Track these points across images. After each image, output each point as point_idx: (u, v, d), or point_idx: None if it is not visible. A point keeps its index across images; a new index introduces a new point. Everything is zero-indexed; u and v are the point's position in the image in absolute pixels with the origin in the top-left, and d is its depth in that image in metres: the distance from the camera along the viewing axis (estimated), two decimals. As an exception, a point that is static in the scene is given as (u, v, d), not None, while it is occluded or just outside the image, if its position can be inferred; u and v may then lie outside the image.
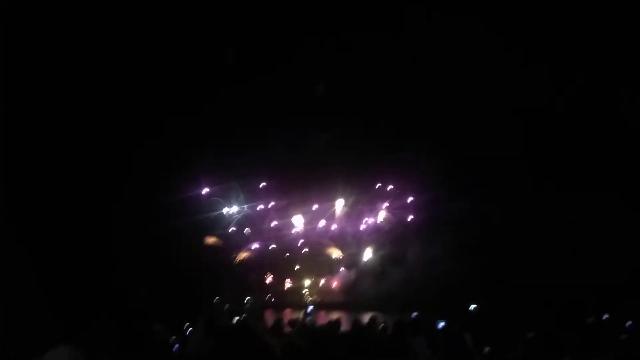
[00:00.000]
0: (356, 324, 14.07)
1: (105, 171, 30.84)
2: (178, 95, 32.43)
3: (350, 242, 39.01)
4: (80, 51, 29.59)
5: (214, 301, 31.71)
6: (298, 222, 38.72)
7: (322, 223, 38.97)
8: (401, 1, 31.93)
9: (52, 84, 28.89)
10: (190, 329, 15.99)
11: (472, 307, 28.89)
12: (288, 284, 37.99)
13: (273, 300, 37.29)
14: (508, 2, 30.45)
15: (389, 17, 31.69)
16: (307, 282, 38.01)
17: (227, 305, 31.08)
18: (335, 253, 38.15)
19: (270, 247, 37.87)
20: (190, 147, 33.38)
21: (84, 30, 29.22)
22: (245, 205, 38.09)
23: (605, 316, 21.27)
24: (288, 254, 37.56)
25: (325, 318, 27.04)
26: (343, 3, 31.96)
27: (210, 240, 36.88)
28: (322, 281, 38.03)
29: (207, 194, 37.16)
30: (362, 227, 39.07)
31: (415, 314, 20.84)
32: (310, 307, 27.11)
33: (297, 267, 37.84)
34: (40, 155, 28.90)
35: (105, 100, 30.58)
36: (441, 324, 15.93)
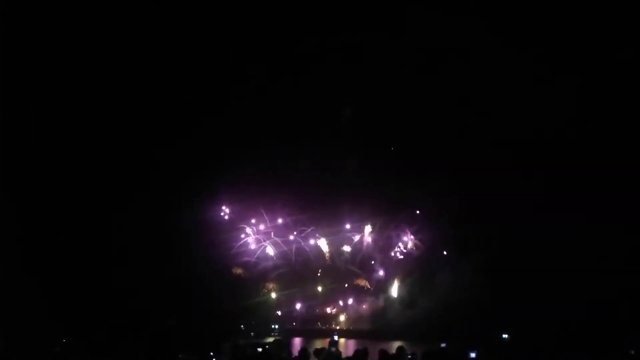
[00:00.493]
0: (383, 354, 13.80)
1: (130, 188, 31.60)
2: (201, 113, 33.28)
3: (378, 269, 38.73)
4: (96, 62, 30.31)
5: (240, 329, 31.68)
6: (323, 246, 38.57)
7: (347, 249, 38.82)
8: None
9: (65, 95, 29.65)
10: (215, 358, 16.07)
11: (505, 336, 28.44)
12: (314, 311, 37.69)
13: (299, 327, 37.03)
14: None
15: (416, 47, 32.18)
16: (334, 310, 37.86)
17: (252, 333, 30.98)
18: (362, 282, 37.93)
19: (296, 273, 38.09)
20: (213, 167, 33.98)
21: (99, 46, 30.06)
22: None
23: None
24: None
25: (352, 347, 26.62)
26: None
27: (238, 270, 36.96)
28: (349, 309, 37.89)
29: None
30: (391, 253, 38.80)
31: (444, 344, 20.47)
32: (336, 336, 26.78)
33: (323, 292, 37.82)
34: (65, 176, 29.91)
35: (126, 110, 31.25)
36: (472, 355, 15.75)
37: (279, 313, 37.02)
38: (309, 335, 34.70)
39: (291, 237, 38.69)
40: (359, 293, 38.59)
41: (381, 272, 38.77)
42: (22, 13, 26.86)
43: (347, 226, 39.32)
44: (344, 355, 14.22)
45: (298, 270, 38.01)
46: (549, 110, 30.75)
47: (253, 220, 38.21)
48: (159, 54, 31.11)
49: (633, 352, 19.22)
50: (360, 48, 33.29)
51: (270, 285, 37.84)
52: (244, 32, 32.32)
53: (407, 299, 36.50)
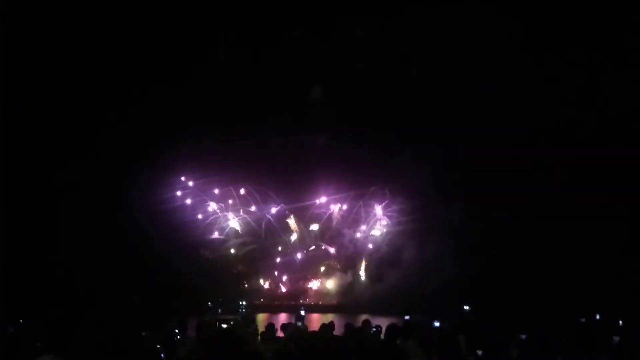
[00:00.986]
0: (349, 327, 13.95)
1: (92, 171, 30.62)
2: (173, 94, 32.64)
3: (347, 245, 39.00)
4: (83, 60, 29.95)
5: (207, 305, 31.59)
6: (292, 225, 38.61)
7: (315, 226, 38.98)
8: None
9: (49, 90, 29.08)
10: (180, 335, 16.05)
11: (466, 308, 28.96)
12: (282, 286, 37.83)
13: (266, 303, 37.19)
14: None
15: (390, 16, 32.10)
16: (302, 285, 38.09)
17: (219, 310, 30.97)
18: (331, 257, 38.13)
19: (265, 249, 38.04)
20: (176, 143, 33.60)
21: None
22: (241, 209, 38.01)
23: (597, 316, 21.45)
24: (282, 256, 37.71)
25: (318, 322, 26.75)
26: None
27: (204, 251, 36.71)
28: (317, 284, 38.20)
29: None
30: (360, 229, 39.06)
31: (407, 317, 20.72)
32: (302, 311, 26.97)
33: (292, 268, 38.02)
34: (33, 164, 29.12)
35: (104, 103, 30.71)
36: (436, 324, 16.00)
37: (247, 288, 36.94)
38: (276, 310, 34.76)
39: (259, 213, 38.44)
40: (328, 269, 38.84)
41: (350, 248, 38.95)
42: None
43: (317, 201, 39.25)
44: (310, 330, 14.39)
45: (267, 247, 38.00)
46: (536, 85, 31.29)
47: (216, 191, 37.67)
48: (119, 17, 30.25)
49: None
50: (332, 24, 33.39)
51: (239, 265, 37.78)
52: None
53: (374, 274, 36.90)
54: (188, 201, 37.27)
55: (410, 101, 33.85)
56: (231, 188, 38.18)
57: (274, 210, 38.66)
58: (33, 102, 29.22)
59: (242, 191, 38.48)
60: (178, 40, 32.33)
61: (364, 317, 16.76)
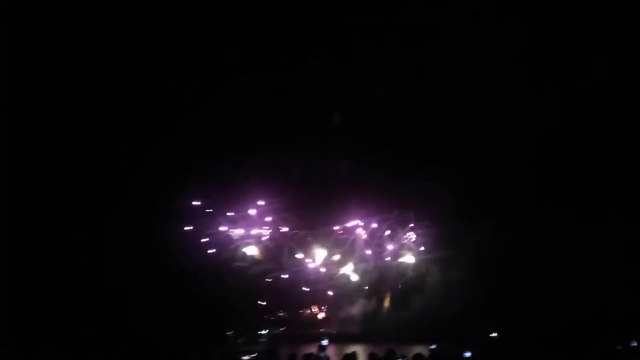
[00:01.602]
0: (372, 357, 13.86)
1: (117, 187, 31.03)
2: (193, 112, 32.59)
3: (372, 270, 38.24)
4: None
5: (228, 334, 31.07)
6: (320, 255, 38.08)
7: (337, 256, 38.38)
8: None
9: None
10: None
11: (494, 335, 28.04)
12: (304, 314, 37.10)
13: (287, 332, 36.53)
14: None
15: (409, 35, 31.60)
16: (324, 314, 37.31)
17: (241, 339, 30.43)
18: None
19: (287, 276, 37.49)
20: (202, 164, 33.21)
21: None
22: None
23: (634, 343, 20.38)
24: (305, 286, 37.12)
25: (341, 352, 26.16)
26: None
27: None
28: (340, 312, 37.36)
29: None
30: (384, 254, 38.30)
31: (433, 346, 20.21)
32: (325, 341, 26.36)
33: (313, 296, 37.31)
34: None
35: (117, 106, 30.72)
36: (467, 354, 15.74)
37: (268, 318, 36.29)
38: (298, 340, 34.12)
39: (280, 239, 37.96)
40: (351, 296, 38.03)
41: (374, 274, 38.15)
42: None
43: (339, 227, 38.66)
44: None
45: (290, 274, 37.49)
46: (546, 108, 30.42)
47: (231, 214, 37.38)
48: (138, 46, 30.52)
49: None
50: (352, 48, 32.87)
51: (262, 292, 37.11)
52: (231, 28, 31.52)
53: (400, 300, 36.00)
54: (204, 226, 36.88)
55: (432, 123, 33.30)
56: (251, 213, 37.81)
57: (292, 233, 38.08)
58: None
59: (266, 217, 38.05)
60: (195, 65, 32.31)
61: (387, 346, 16.32)
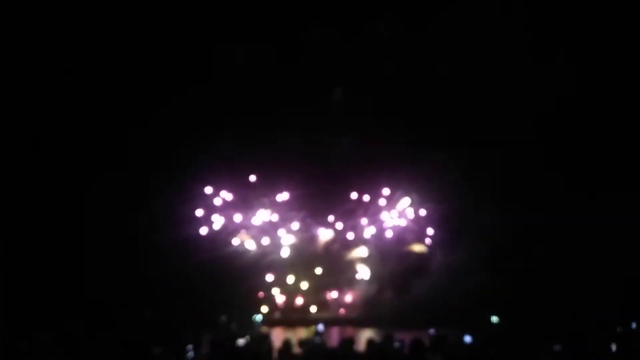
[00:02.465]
0: (370, 343, 13.84)
1: (106, 178, 30.44)
2: (182, 93, 31.60)
3: (372, 253, 37.81)
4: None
5: (220, 320, 30.71)
6: (323, 234, 37.63)
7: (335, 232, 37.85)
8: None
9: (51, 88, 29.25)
10: (193, 351, 15.58)
11: (494, 319, 28.20)
12: (300, 298, 36.55)
13: (282, 317, 35.87)
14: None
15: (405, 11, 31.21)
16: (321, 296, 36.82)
17: (233, 324, 30.17)
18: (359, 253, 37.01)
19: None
20: (195, 147, 32.38)
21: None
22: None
23: (634, 325, 21.22)
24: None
25: (338, 337, 26.24)
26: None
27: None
28: (338, 295, 36.94)
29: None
30: (385, 235, 37.87)
31: (432, 330, 20.17)
32: (321, 326, 26.09)
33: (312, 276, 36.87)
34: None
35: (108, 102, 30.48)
36: (467, 339, 15.87)
37: (262, 301, 35.80)
38: (293, 324, 33.88)
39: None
40: (352, 280, 37.62)
41: (374, 256, 37.65)
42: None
43: (340, 208, 38.18)
44: (329, 345, 14.42)
45: (291, 258, 37.16)
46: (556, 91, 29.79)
47: (226, 197, 36.93)
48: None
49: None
50: (356, 28, 32.47)
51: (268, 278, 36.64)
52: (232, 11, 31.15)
53: (400, 284, 35.63)
54: (200, 211, 36.30)
55: (439, 102, 32.89)
56: (252, 195, 37.27)
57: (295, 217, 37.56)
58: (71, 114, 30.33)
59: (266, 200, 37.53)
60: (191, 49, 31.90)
61: (386, 331, 16.41)
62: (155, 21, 30.53)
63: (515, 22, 29.56)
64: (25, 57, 28.64)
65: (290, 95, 33.22)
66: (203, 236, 35.25)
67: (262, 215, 37.00)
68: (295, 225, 36.89)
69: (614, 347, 15.43)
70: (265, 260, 36.45)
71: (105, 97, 31.11)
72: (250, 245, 36.66)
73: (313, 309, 36.21)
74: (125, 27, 30.29)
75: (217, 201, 36.08)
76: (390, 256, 37.44)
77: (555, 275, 28.43)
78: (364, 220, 38.02)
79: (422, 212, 37.37)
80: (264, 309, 35.20)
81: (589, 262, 27.86)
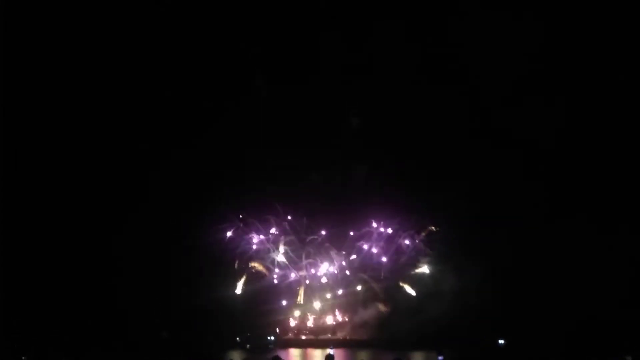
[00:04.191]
0: None
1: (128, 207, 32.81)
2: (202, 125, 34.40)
3: (387, 276, 38.44)
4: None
5: (235, 341, 31.74)
6: (335, 256, 38.41)
7: (353, 257, 38.67)
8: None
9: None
10: None
11: (501, 342, 28.79)
12: (311, 320, 37.49)
13: (295, 338, 36.61)
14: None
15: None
16: (333, 319, 37.68)
17: (248, 346, 31.02)
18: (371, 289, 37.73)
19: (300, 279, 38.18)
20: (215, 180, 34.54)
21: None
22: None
23: None
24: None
25: (349, 359, 26.54)
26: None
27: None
28: (353, 318, 37.78)
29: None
30: (400, 260, 38.55)
31: (441, 357, 20.68)
32: (331, 350, 26.86)
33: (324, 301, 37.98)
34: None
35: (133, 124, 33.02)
36: None
37: (275, 323, 36.74)
38: (305, 346, 34.50)
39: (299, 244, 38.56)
40: (365, 301, 38.30)
41: (389, 279, 38.44)
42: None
43: (356, 233, 39.19)
44: None
45: (305, 279, 38.02)
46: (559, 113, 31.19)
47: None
48: (164, 58, 32.78)
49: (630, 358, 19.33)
50: (368, 56, 34.26)
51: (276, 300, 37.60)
52: (250, 38, 33.61)
53: (413, 306, 36.15)
54: (228, 233, 37.57)
55: (450, 132, 34.27)
56: (272, 219, 38.43)
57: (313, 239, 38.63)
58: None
59: (284, 223, 38.68)
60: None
61: (394, 354, 16.59)
62: (189, 65, 33.15)
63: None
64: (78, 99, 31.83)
65: (309, 131, 35.11)
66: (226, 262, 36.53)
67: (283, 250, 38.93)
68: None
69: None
70: (281, 285, 37.85)
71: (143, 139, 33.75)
72: (266, 271, 38.26)
73: (325, 331, 37.76)
74: (161, 69, 32.91)
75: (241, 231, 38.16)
76: (403, 278, 38.54)
77: (561, 297, 28.81)
78: (378, 245, 39.55)
79: (434, 234, 38.90)
80: (278, 330, 36.14)
81: (592, 287, 28.05)
